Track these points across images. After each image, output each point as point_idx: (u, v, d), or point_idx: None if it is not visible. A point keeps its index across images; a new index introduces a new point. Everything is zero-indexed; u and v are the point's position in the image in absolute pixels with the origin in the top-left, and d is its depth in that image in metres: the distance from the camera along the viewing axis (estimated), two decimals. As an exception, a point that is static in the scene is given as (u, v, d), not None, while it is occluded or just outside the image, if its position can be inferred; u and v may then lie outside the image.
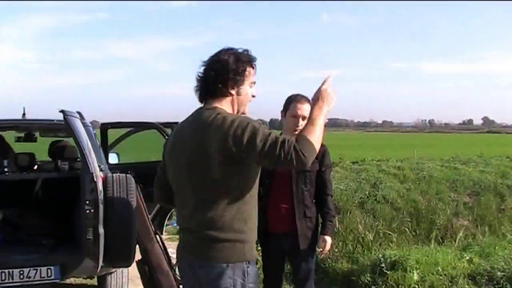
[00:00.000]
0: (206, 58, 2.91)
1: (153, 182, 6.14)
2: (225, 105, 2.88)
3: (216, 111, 2.81)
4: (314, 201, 4.40)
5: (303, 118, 4.24)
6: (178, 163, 2.89)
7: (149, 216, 5.88)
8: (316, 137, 2.70)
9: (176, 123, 7.31)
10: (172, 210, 6.98)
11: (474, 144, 44.99)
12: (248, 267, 2.83)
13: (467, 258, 6.45)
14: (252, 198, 2.87)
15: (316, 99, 2.87)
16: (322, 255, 4.77)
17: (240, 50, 2.92)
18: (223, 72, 2.85)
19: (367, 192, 11.86)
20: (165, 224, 6.76)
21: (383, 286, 5.81)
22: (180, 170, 2.88)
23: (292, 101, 4.30)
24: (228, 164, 2.71)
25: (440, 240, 9.05)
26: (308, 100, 4.27)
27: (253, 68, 2.96)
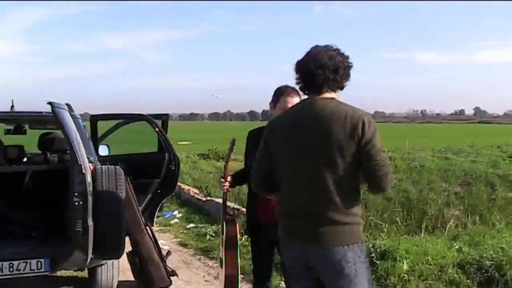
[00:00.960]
0: (306, 50, 3.10)
1: (143, 173, 6.14)
2: (338, 97, 3.10)
3: (337, 101, 3.05)
4: None
5: None
6: (301, 150, 3.00)
7: (140, 207, 5.88)
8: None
9: (167, 114, 7.29)
10: (163, 201, 6.98)
11: (466, 134, 45.20)
12: (362, 245, 3.03)
13: (457, 247, 6.47)
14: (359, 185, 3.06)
15: None
16: None
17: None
18: (343, 67, 3.06)
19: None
20: (155, 216, 6.72)
21: (373, 276, 5.80)
22: (303, 157, 2.99)
23: (282, 94, 4.29)
24: (351, 153, 2.91)
25: (431, 230, 9.08)
26: (297, 93, 4.28)
27: None
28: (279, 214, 3.17)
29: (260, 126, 4.71)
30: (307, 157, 2.98)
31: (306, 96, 3.17)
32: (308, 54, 3.09)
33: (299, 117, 3.08)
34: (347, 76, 3.11)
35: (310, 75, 3.05)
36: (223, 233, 4.55)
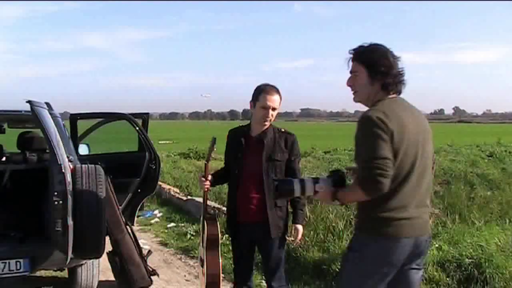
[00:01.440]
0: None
1: (124, 172, 6.11)
2: None
3: None
4: None
5: (273, 109, 4.26)
6: (421, 148, 3.12)
7: (120, 207, 5.86)
8: None
9: (147, 114, 7.27)
10: (144, 201, 6.96)
11: (445, 133, 45.38)
12: None
13: (437, 245, 6.51)
14: None
15: None
16: (294, 244, 4.80)
17: None
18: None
19: (338, 182, 11.91)
20: (136, 215, 6.70)
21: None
22: (422, 154, 3.12)
23: (261, 92, 4.30)
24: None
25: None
26: (277, 91, 4.29)
27: None
28: (391, 210, 3.05)
29: (241, 125, 4.73)
30: (426, 154, 3.16)
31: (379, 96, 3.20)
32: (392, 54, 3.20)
33: (408, 117, 3.11)
34: None
35: (402, 75, 3.22)
36: (203, 233, 4.56)
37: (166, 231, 9.58)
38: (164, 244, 8.68)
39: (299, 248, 6.66)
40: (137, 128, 6.50)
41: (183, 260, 7.66)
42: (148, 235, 9.35)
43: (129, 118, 6.58)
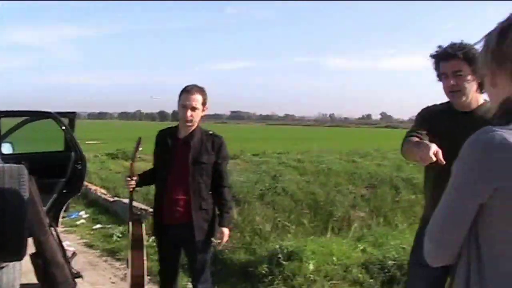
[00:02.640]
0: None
1: (49, 173, 6.00)
2: None
3: None
4: (210, 192, 4.42)
5: (192, 108, 4.25)
6: None
7: (44, 208, 5.72)
8: None
9: (74, 113, 7.14)
10: (69, 201, 6.83)
11: (372, 138, 46.42)
12: None
13: (361, 248, 6.65)
14: None
15: None
16: (219, 246, 4.80)
17: None
18: None
19: (267, 184, 12.01)
20: (61, 216, 6.57)
21: (280, 277, 5.89)
22: None
23: (182, 92, 4.32)
24: None
25: (337, 231, 9.28)
26: (199, 91, 4.29)
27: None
28: None
29: (170, 126, 4.69)
30: None
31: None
32: None
33: None
34: None
35: None
36: (129, 234, 4.51)
37: (92, 232, 9.43)
38: (89, 246, 8.54)
39: (226, 250, 6.68)
40: (63, 128, 6.38)
41: (109, 262, 7.56)
42: (73, 236, 9.17)
43: (55, 117, 6.46)
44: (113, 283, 6.68)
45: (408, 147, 2.99)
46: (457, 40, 3.24)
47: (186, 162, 4.28)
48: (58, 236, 5.61)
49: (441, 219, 1.71)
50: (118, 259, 7.58)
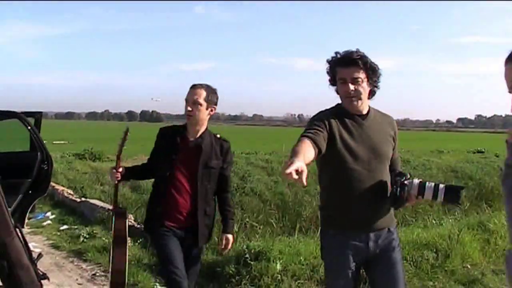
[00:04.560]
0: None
1: (14, 173, 5.91)
2: None
3: None
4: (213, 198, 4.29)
5: (194, 103, 4.08)
6: None
7: (9, 209, 5.66)
8: None
9: (40, 113, 7.06)
10: (35, 202, 6.76)
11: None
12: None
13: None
14: None
15: None
16: (224, 253, 4.76)
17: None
18: None
19: (235, 185, 12.04)
20: (27, 217, 6.51)
21: (247, 276, 5.90)
22: None
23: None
24: None
25: (305, 231, 9.34)
26: (203, 86, 4.14)
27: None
28: None
29: (174, 125, 4.53)
30: None
31: None
32: None
33: None
34: None
35: None
36: (112, 228, 4.38)
37: (58, 233, 9.33)
38: (56, 247, 8.44)
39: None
40: (29, 128, 6.32)
41: (75, 263, 7.49)
42: (39, 237, 9.07)
43: (21, 116, 6.40)
44: (79, 284, 6.62)
45: (292, 149, 2.93)
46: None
47: (195, 165, 4.11)
48: (23, 237, 5.55)
49: None
50: (85, 260, 7.51)
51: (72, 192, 12.59)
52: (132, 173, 4.38)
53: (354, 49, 3.28)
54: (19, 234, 5.49)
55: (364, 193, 3.23)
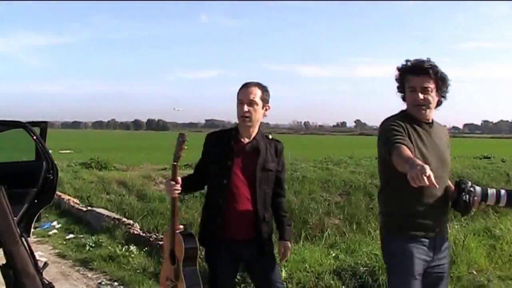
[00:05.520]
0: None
1: (20, 182, 5.93)
2: None
3: None
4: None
5: (250, 103, 3.80)
6: None
7: (15, 218, 5.69)
8: None
9: (45, 122, 7.08)
10: (41, 211, 6.78)
11: (347, 145, 46.67)
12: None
13: (334, 255, 6.71)
14: None
15: None
16: (284, 261, 4.42)
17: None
18: None
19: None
20: (32, 227, 6.52)
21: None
22: None
23: (240, 89, 3.88)
24: None
25: (311, 238, 9.34)
26: (257, 84, 3.90)
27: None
28: None
29: (224, 128, 4.25)
30: None
31: None
32: None
33: None
34: None
35: None
36: (173, 248, 3.88)
37: (64, 242, 9.36)
38: (62, 256, 8.47)
39: (199, 258, 6.67)
40: (34, 137, 6.35)
41: (81, 272, 7.50)
42: (45, 247, 9.10)
43: (26, 126, 6.41)
44: (85, 293, 6.65)
45: (398, 160, 2.96)
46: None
47: (253, 169, 3.81)
48: (29, 246, 5.57)
49: None
50: (91, 269, 7.54)
51: (78, 201, 12.64)
52: (188, 185, 3.96)
53: (424, 58, 3.35)
54: (25, 243, 5.54)
55: (435, 200, 3.32)
